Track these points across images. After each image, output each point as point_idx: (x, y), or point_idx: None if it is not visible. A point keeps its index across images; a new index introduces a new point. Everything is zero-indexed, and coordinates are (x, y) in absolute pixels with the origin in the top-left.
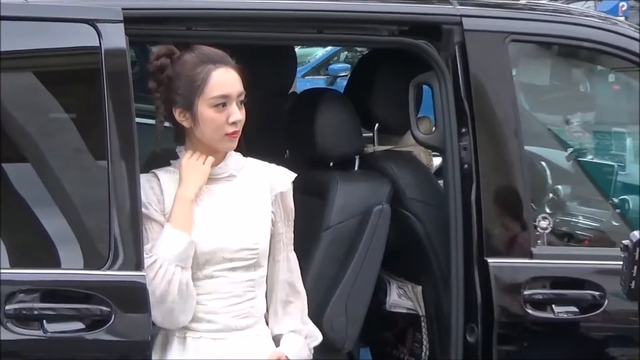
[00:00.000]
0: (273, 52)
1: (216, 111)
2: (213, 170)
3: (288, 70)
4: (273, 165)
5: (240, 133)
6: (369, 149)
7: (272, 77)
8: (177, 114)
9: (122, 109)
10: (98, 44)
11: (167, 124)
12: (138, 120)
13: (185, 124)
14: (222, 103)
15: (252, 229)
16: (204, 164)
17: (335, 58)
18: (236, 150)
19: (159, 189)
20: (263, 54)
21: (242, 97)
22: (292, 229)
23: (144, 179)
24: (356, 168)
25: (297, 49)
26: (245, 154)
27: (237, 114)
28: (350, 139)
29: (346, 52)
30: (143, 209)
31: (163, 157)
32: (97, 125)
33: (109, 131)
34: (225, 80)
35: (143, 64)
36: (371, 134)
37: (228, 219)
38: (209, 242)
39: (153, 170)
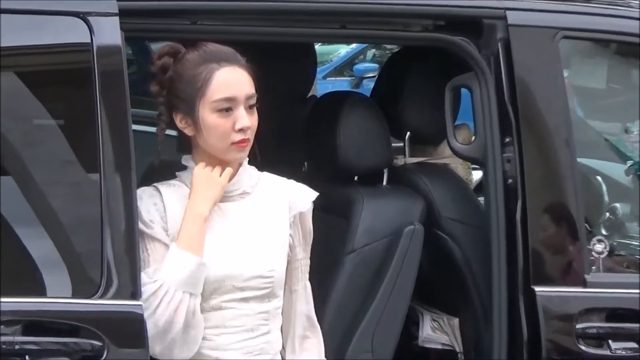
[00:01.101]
0: (290, 50)
1: (220, 116)
2: (227, 186)
3: (307, 70)
4: (292, 182)
5: (251, 142)
6: (399, 161)
7: (289, 79)
8: (179, 120)
9: (117, 114)
10: (89, 40)
11: (169, 131)
12: (135, 127)
13: (188, 131)
14: (227, 107)
15: (266, 254)
16: (220, 175)
17: (361, 57)
18: (250, 163)
19: (162, 205)
20: (279, 53)
21: (253, 101)
22: (309, 253)
23: (146, 194)
24: (384, 183)
25: (318, 47)
26: (260, 168)
27: (245, 120)
28: (378, 149)
29: (373, 50)
30: (146, 229)
31: (163, 170)
32: (88, 133)
33: (102, 140)
34: (230, 80)
35: (142, 63)
36: (401, 144)
37: (240, 242)
38: (217, 268)
39: (155, 184)
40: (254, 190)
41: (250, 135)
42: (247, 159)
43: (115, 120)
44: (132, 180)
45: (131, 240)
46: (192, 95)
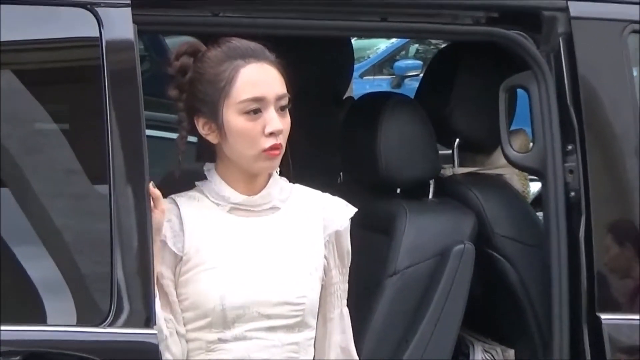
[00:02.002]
0: (324, 45)
1: (248, 119)
2: (251, 199)
3: (343, 68)
4: (327, 196)
5: (283, 149)
6: (447, 171)
7: (323, 78)
8: (201, 126)
9: (129, 118)
10: (98, 34)
11: (191, 138)
12: (149, 132)
13: (211, 138)
14: (256, 109)
15: (297, 279)
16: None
17: (403, 53)
18: (282, 174)
19: (177, 220)
20: (312, 48)
21: (285, 102)
22: (347, 276)
23: None
24: (431, 196)
25: (354, 41)
26: (291, 179)
27: (277, 122)
28: (423, 158)
29: (417, 45)
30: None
31: (182, 181)
32: (96, 139)
33: (112, 147)
34: (258, 78)
35: (156, 60)
36: (450, 152)
37: (267, 263)
38: (241, 292)
39: (172, 196)
40: (285, 205)
41: (282, 140)
42: (278, 169)
43: (127, 125)
44: (146, 192)
45: (145, 261)
46: (215, 96)
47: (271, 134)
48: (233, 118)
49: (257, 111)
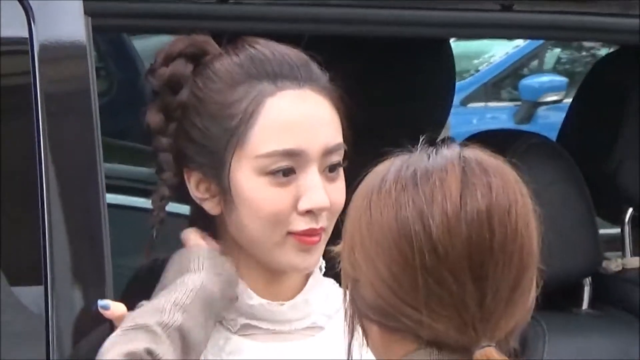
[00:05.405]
0: (409, 54)
1: (271, 183)
2: (276, 309)
3: (437, 93)
4: None
5: (328, 235)
6: (612, 263)
7: (405, 111)
8: (194, 185)
9: (78, 175)
10: (27, 34)
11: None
12: (112, 198)
13: (209, 206)
14: (286, 168)
15: None
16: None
17: (534, 64)
18: (327, 274)
19: None
20: (388, 61)
21: (338, 158)
22: None
23: None
24: (585, 305)
25: (455, 47)
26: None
27: (319, 193)
28: (574, 244)
29: (557, 51)
30: None
31: (159, 272)
32: (25, 203)
33: (48, 220)
34: (296, 117)
35: (122, 76)
36: (618, 231)
37: None
38: None
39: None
40: (332, 322)
41: (329, 221)
42: (322, 265)
43: (75, 187)
44: (107, 292)
45: None
46: (220, 141)
47: (308, 212)
48: (247, 180)
49: (288, 172)
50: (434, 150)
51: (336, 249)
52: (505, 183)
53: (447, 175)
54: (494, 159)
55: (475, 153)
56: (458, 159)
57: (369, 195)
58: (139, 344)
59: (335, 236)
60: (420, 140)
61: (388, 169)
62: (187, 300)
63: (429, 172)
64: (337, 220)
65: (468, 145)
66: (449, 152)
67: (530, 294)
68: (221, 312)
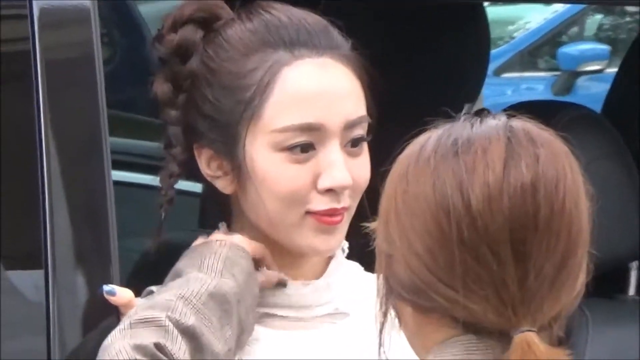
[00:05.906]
0: (439, 19)
1: (289, 160)
2: (298, 294)
3: (470, 61)
4: None
5: (351, 215)
6: None
7: (435, 80)
8: (205, 162)
9: (81, 148)
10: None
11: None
12: (118, 176)
13: (222, 184)
14: (305, 143)
15: None
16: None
17: (573, 31)
18: (352, 256)
19: None
20: (417, 26)
21: (361, 132)
22: None
23: None
24: (632, 292)
25: (489, 12)
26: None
27: (341, 170)
28: (620, 225)
29: (599, 17)
30: None
31: (170, 258)
32: (24, 181)
33: (50, 199)
34: (315, 88)
35: (127, 43)
36: None
37: None
38: None
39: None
40: (358, 307)
41: (352, 200)
42: (345, 247)
43: (78, 162)
44: (113, 277)
45: None
46: (233, 115)
47: (329, 190)
48: (262, 157)
49: (306, 147)
50: (479, 119)
51: (372, 225)
52: (555, 156)
53: (491, 144)
54: (544, 131)
55: (523, 124)
56: (504, 128)
57: (407, 165)
58: (148, 338)
59: (360, 215)
60: (463, 110)
61: (428, 138)
62: (198, 300)
63: (472, 141)
64: (363, 197)
65: (516, 115)
66: (495, 122)
67: (579, 279)
68: (245, 318)
